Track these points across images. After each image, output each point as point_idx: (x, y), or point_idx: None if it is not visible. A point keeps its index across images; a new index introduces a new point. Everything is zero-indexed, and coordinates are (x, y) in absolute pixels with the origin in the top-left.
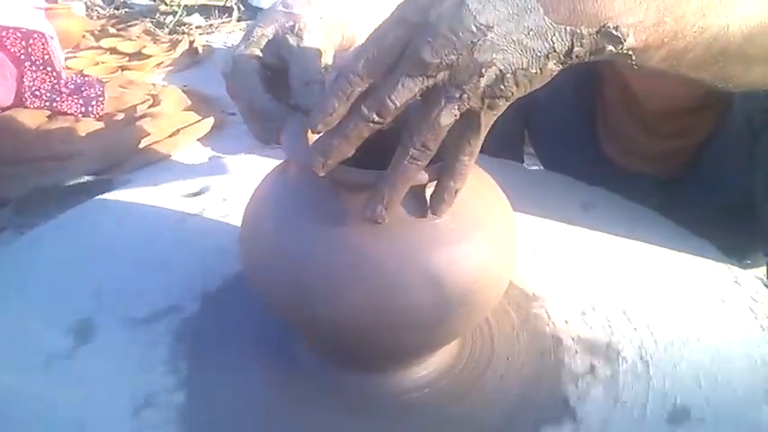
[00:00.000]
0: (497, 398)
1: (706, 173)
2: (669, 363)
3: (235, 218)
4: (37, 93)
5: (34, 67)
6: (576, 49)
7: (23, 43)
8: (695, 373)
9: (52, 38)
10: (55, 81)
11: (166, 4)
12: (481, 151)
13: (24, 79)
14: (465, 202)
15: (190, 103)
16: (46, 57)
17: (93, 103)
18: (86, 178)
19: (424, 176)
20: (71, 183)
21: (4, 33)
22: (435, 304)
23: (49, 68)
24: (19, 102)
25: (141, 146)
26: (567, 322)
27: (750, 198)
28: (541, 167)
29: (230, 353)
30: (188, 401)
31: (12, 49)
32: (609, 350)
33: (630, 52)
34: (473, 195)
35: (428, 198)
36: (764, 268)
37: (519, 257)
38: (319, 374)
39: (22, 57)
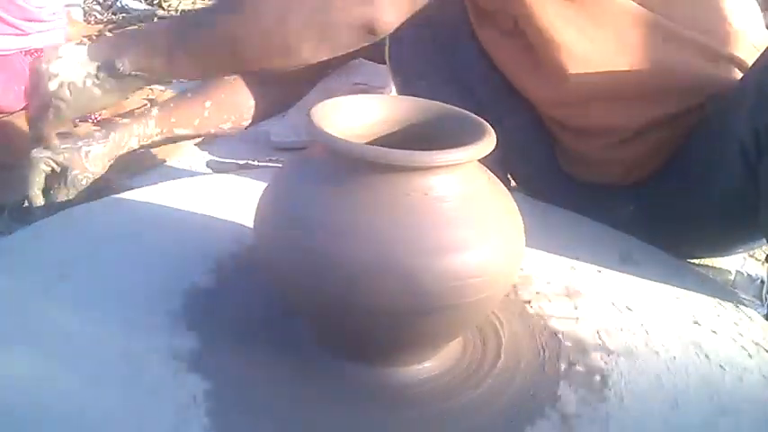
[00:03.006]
0: (496, 394)
1: (676, 180)
2: (666, 363)
3: (233, 216)
4: None
5: None
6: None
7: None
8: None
9: None
10: None
11: (164, 9)
12: None
13: None
14: (472, 196)
15: None
16: None
17: None
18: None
19: (430, 159)
20: None
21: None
22: (438, 290)
23: None
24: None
25: (138, 150)
26: (564, 324)
27: (717, 203)
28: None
29: (232, 344)
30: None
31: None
32: (606, 356)
33: (138, 74)
34: (481, 192)
35: (435, 184)
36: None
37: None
38: (324, 365)
39: None
